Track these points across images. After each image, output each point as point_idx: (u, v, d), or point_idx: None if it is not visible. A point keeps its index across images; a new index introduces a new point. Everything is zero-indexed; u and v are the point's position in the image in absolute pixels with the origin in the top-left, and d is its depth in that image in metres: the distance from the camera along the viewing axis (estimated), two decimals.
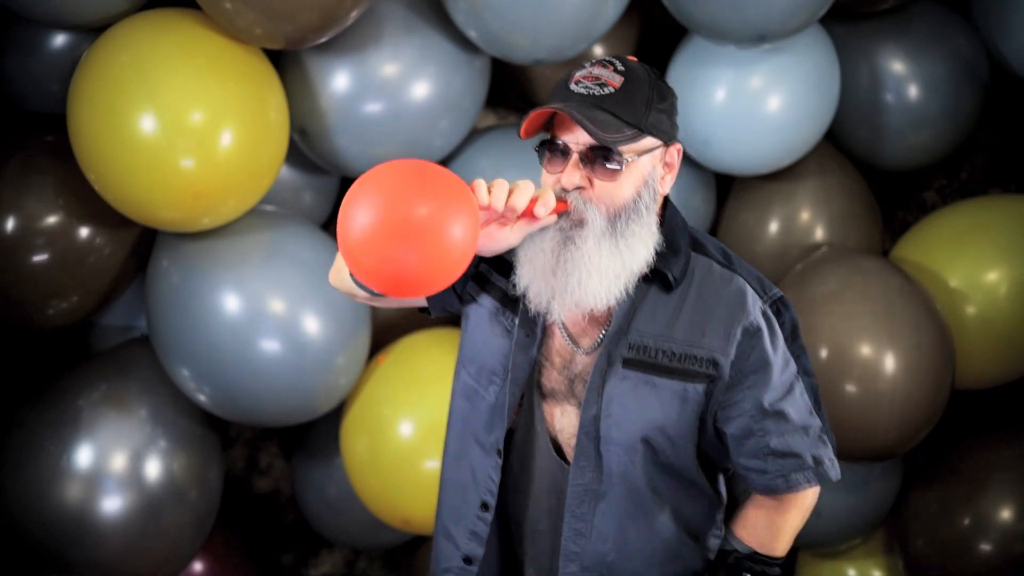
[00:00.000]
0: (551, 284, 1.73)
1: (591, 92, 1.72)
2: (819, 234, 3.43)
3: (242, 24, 2.74)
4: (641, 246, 1.74)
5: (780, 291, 1.83)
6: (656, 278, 1.79)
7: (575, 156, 1.73)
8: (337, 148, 3.14)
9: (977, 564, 3.23)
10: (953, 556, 3.27)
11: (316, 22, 2.75)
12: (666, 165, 1.79)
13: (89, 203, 2.93)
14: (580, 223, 1.72)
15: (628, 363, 1.77)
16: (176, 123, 2.71)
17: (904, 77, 3.40)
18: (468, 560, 1.90)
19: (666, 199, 1.85)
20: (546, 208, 1.68)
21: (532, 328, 1.82)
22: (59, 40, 3.06)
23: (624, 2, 3.08)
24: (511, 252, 1.78)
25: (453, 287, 1.88)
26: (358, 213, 1.58)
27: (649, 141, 1.75)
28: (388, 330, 3.40)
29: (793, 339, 1.82)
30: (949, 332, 3.21)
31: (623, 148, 1.71)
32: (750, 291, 1.79)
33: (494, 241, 1.70)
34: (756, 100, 3.20)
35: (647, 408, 1.76)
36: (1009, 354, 3.31)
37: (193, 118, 2.73)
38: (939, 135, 3.46)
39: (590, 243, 1.71)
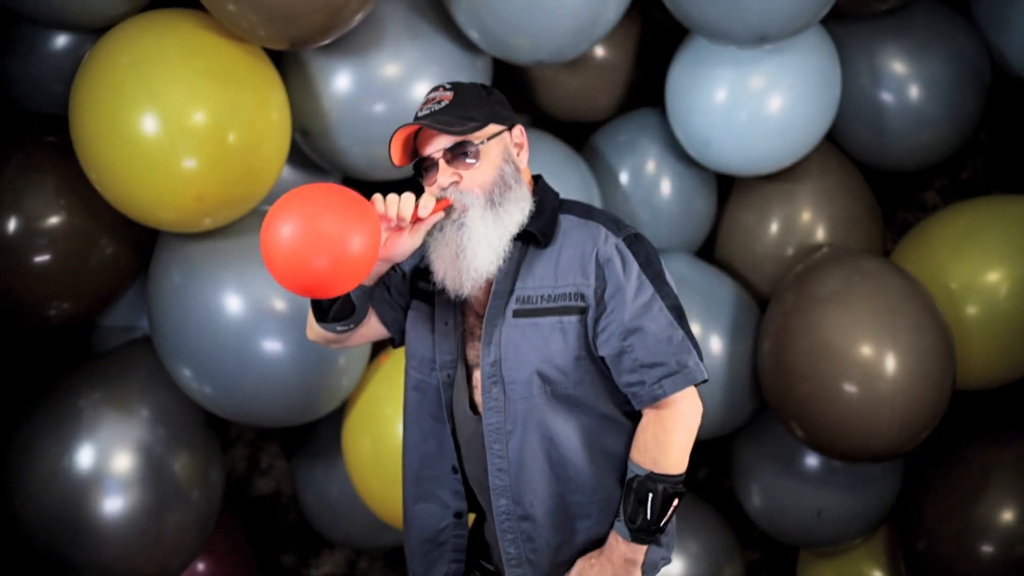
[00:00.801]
0: (457, 266, 2.05)
1: (432, 110, 2.07)
2: (820, 234, 3.44)
3: (246, 25, 2.74)
4: (516, 210, 2.07)
5: (636, 229, 2.11)
6: (530, 238, 2.09)
7: (441, 162, 2.06)
8: (339, 148, 3.14)
9: (979, 565, 3.24)
10: (955, 557, 3.27)
11: (321, 24, 2.75)
12: (516, 145, 2.12)
13: (91, 204, 2.93)
14: (464, 209, 2.05)
15: (517, 313, 2.08)
16: (178, 124, 2.71)
17: (905, 78, 3.40)
18: (458, 515, 2.20)
19: (538, 178, 2.17)
20: (426, 208, 2.01)
21: (451, 315, 2.15)
22: (61, 41, 3.06)
23: (625, 3, 3.09)
24: (427, 256, 2.11)
25: (401, 307, 2.24)
26: (280, 228, 1.88)
27: (492, 127, 2.08)
28: None
29: (648, 264, 2.06)
30: (950, 333, 3.21)
31: (472, 137, 2.05)
32: (603, 230, 2.07)
33: (399, 246, 2.03)
34: (757, 101, 3.20)
35: (534, 346, 2.06)
36: (1010, 355, 3.31)
37: (195, 119, 2.73)
38: (940, 136, 3.46)
39: (476, 220, 2.04)
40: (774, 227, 3.46)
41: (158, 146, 2.71)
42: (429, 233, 2.07)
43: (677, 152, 3.47)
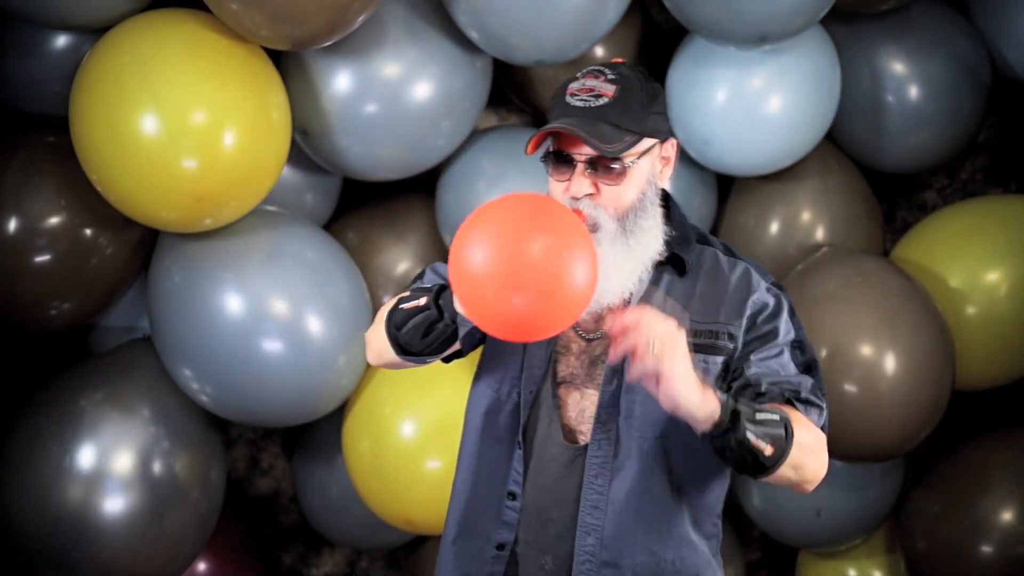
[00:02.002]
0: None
1: (588, 104, 1.82)
2: (820, 235, 3.44)
3: (249, 25, 2.74)
4: (651, 239, 1.87)
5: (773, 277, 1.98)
6: (670, 264, 1.90)
7: (580, 166, 1.83)
8: (339, 148, 3.14)
9: (979, 565, 3.24)
10: (955, 557, 3.27)
11: (324, 25, 2.75)
12: (663, 159, 1.90)
13: (91, 204, 2.93)
14: (594, 228, 1.82)
15: None
16: (178, 124, 2.71)
17: (905, 78, 3.40)
18: (501, 547, 1.95)
19: (667, 194, 1.96)
20: None
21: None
22: (61, 41, 3.06)
23: (625, 3, 3.09)
24: None
25: None
26: (475, 253, 1.62)
27: (647, 142, 1.85)
28: None
29: (793, 314, 1.93)
30: (949, 332, 3.21)
31: (627, 154, 1.82)
32: (754, 273, 1.92)
33: None
34: (757, 101, 3.20)
35: None
36: (1009, 354, 3.32)
37: (195, 119, 2.73)
38: (940, 136, 3.46)
39: (604, 246, 1.81)
40: (774, 227, 3.46)
41: (158, 146, 2.71)
42: None
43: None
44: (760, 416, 1.76)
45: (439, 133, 3.19)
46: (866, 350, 3.09)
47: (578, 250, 1.63)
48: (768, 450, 1.75)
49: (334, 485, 3.50)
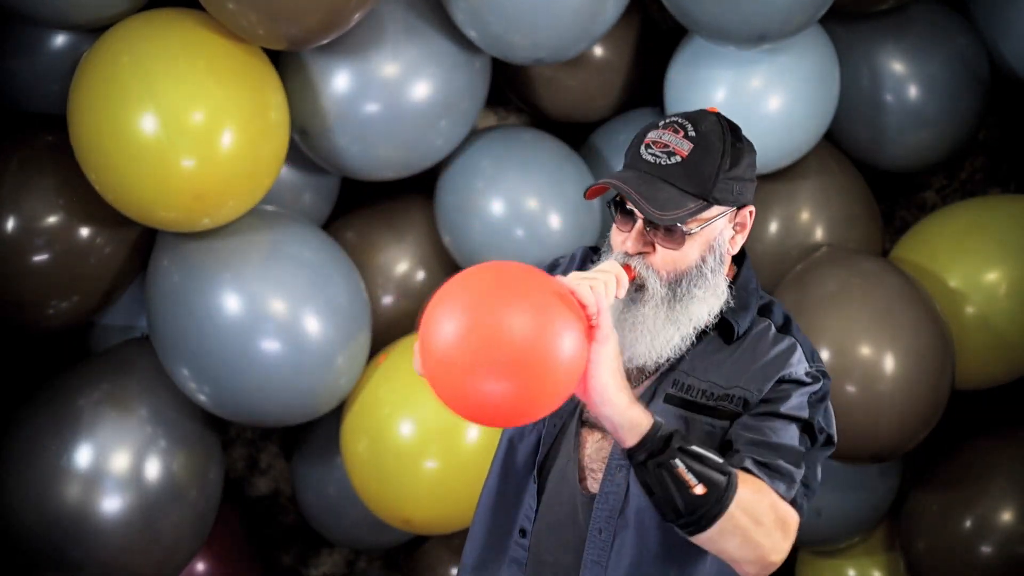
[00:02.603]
0: (624, 339, 1.74)
1: (657, 162, 1.73)
2: (819, 234, 3.43)
3: (245, 24, 2.74)
4: (702, 308, 1.77)
5: (825, 368, 1.82)
6: (719, 328, 1.82)
7: (640, 223, 1.74)
8: (337, 148, 3.14)
9: (979, 566, 3.23)
10: (955, 558, 3.27)
11: (320, 24, 2.75)
12: (737, 226, 1.81)
13: (89, 203, 2.93)
14: (641, 287, 1.75)
15: (669, 398, 1.79)
16: (176, 123, 2.71)
17: (904, 77, 3.40)
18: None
19: (743, 255, 1.88)
20: (623, 288, 1.70)
21: None
22: (60, 40, 3.06)
23: (624, 2, 3.08)
24: None
25: None
26: (445, 329, 1.45)
27: (714, 210, 1.75)
28: (388, 330, 3.40)
29: (819, 400, 1.79)
30: (949, 332, 3.21)
31: (690, 221, 1.73)
32: (800, 352, 1.80)
33: None
34: (756, 100, 3.20)
35: None
36: (1009, 354, 3.31)
37: (193, 118, 2.73)
38: (939, 136, 3.46)
39: (647, 308, 1.75)
40: (773, 227, 3.45)
41: (157, 145, 2.71)
42: None
43: None
44: (698, 451, 1.62)
45: (438, 133, 3.19)
46: (866, 350, 3.09)
47: (560, 332, 1.48)
48: (698, 489, 1.59)
49: (332, 485, 3.49)
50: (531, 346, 1.45)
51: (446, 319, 1.47)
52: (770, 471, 1.68)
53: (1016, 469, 3.29)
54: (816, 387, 1.77)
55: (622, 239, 1.77)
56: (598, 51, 3.48)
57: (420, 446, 3.11)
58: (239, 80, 2.81)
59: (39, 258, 2.93)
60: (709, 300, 1.78)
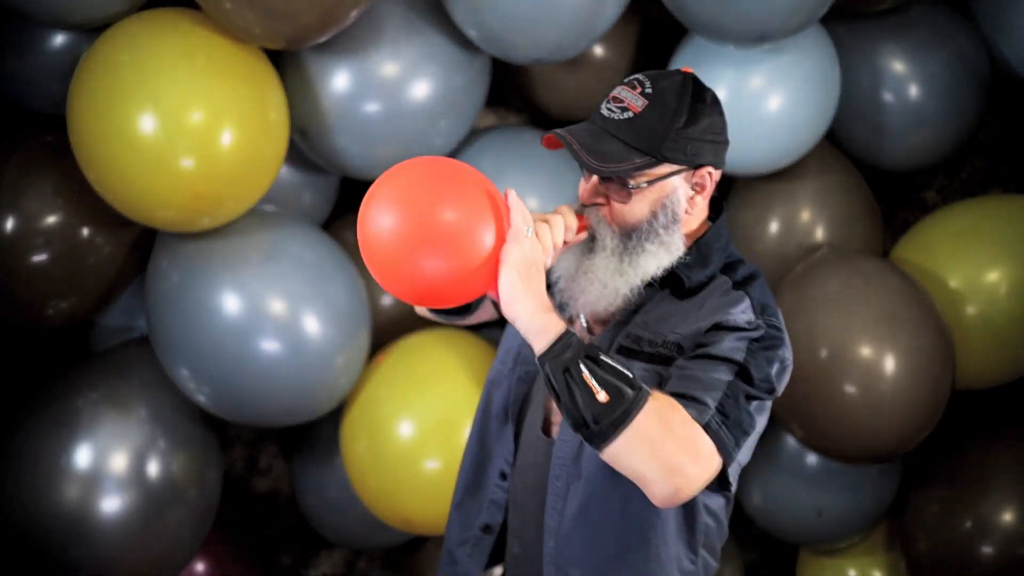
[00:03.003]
0: (570, 286, 1.83)
1: (612, 116, 1.77)
2: (819, 234, 3.43)
3: (242, 24, 2.74)
4: (651, 262, 1.80)
5: (782, 325, 1.81)
6: (671, 282, 1.84)
7: (595, 176, 1.80)
8: (337, 148, 3.14)
9: (980, 566, 3.23)
10: (956, 558, 3.27)
11: (316, 22, 2.75)
12: (696, 186, 1.82)
13: (89, 203, 2.93)
14: (592, 237, 1.81)
15: (620, 350, 1.82)
16: (176, 123, 2.71)
17: (905, 77, 3.39)
18: (487, 528, 1.97)
19: (720, 216, 1.88)
20: (572, 233, 1.78)
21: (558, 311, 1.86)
22: (59, 40, 3.06)
23: (624, 1, 3.08)
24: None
25: None
26: (380, 217, 1.65)
27: (663, 168, 1.77)
28: (388, 330, 3.40)
29: (762, 347, 1.77)
30: (949, 332, 3.21)
31: (635, 175, 1.76)
32: (746, 303, 1.80)
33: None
34: (756, 100, 3.20)
35: None
36: (1009, 354, 3.31)
37: (193, 118, 2.73)
38: (940, 135, 3.46)
39: (598, 259, 1.80)
40: (773, 227, 3.45)
41: (156, 145, 2.71)
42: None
43: None
44: (607, 361, 1.65)
45: (438, 132, 3.18)
46: (866, 350, 3.09)
47: (484, 219, 1.65)
48: (601, 395, 1.61)
49: (332, 485, 3.49)
50: (455, 227, 1.62)
51: (385, 207, 1.67)
52: (683, 398, 1.68)
53: (1017, 469, 3.29)
54: (756, 334, 1.76)
55: (582, 189, 1.83)
56: (598, 51, 3.48)
57: (420, 446, 3.11)
58: (239, 80, 2.81)
59: (38, 258, 2.93)
60: (660, 255, 1.80)
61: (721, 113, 1.83)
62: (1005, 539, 3.22)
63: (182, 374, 3.03)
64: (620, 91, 1.80)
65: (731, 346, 1.74)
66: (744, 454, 1.79)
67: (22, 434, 3.01)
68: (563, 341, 1.65)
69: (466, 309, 2.05)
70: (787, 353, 1.82)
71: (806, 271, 3.30)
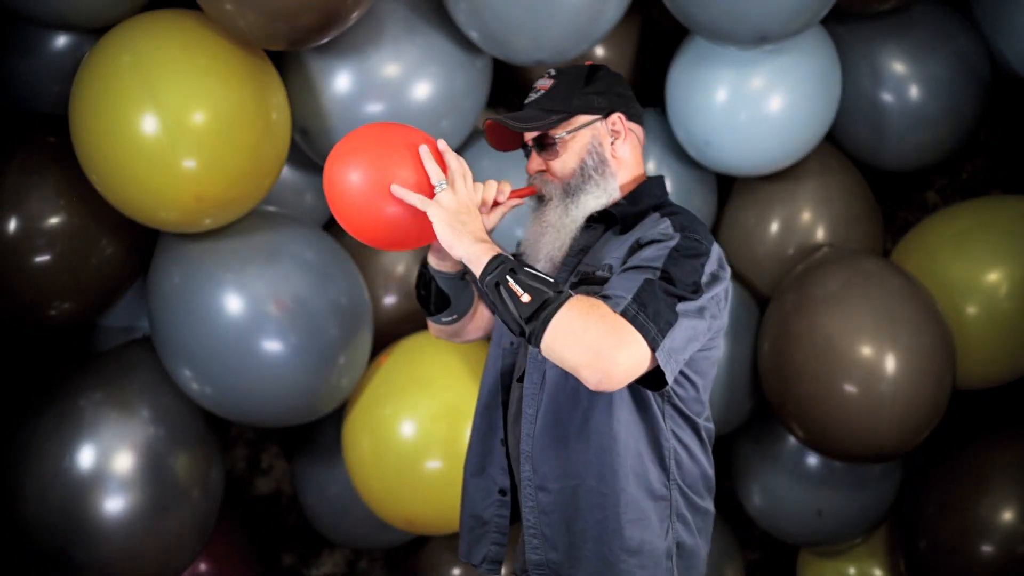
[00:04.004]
0: (532, 245, 2.16)
1: (530, 99, 2.17)
2: (820, 235, 3.44)
3: (243, 25, 2.74)
4: (590, 199, 2.13)
5: (705, 241, 2.03)
6: (611, 221, 2.14)
7: (531, 149, 2.18)
8: None
9: (979, 565, 3.23)
10: (955, 557, 3.27)
11: (317, 23, 2.75)
12: (613, 132, 2.16)
13: (91, 204, 2.93)
14: (548, 198, 2.15)
15: (571, 285, 2.09)
16: (178, 124, 2.71)
17: (905, 78, 3.40)
18: (503, 492, 2.22)
19: (654, 179, 2.20)
20: (503, 195, 2.14)
21: None
22: (61, 41, 3.06)
23: (625, 3, 3.09)
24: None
25: None
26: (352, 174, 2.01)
27: (580, 119, 2.14)
28: (390, 330, 3.41)
29: (684, 255, 1.98)
30: (950, 332, 3.21)
31: (554, 131, 2.13)
32: (666, 223, 2.05)
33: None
34: (757, 101, 3.20)
35: None
36: (1010, 354, 3.31)
37: (195, 119, 2.73)
38: (940, 136, 3.46)
39: (549, 209, 2.15)
40: (774, 227, 3.46)
41: (158, 146, 2.71)
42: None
43: (677, 152, 3.47)
44: (531, 271, 1.95)
45: (439, 133, 3.18)
46: (867, 350, 3.09)
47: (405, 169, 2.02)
48: (525, 297, 1.90)
49: (334, 485, 3.50)
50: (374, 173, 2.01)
51: (348, 167, 2.01)
52: (603, 297, 1.94)
53: (1017, 469, 3.29)
54: (673, 242, 2.00)
55: (527, 167, 2.19)
56: (599, 51, 3.48)
57: (422, 446, 3.12)
58: (240, 80, 2.81)
59: (41, 259, 2.93)
60: (597, 195, 2.14)
61: (622, 79, 2.20)
62: (1005, 538, 3.23)
63: (184, 374, 3.03)
64: (537, 83, 2.19)
65: (649, 255, 1.99)
66: (678, 351, 1.96)
67: (25, 434, 3.01)
68: (495, 262, 1.94)
69: (459, 309, 2.30)
70: (716, 268, 2.03)
71: (806, 271, 3.30)
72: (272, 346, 2.96)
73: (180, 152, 2.72)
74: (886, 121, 3.43)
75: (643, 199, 2.15)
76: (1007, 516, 3.24)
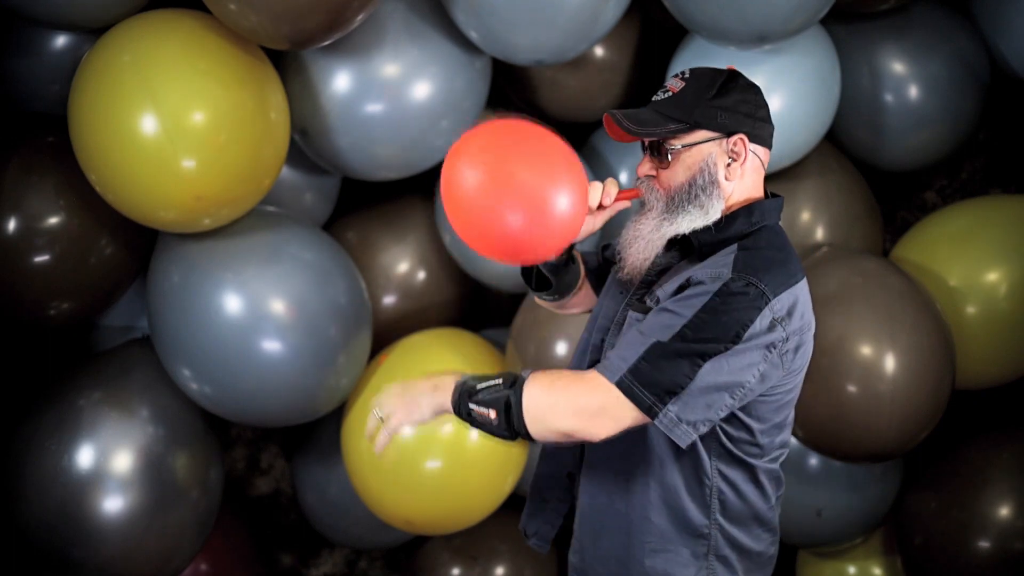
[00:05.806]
0: (625, 249, 2.05)
1: (657, 98, 2.03)
2: (820, 234, 3.44)
3: (247, 25, 2.74)
4: (686, 220, 1.99)
5: (762, 286, 1.90)
6: (690, 247, 2.03)
7: (646, 153, 2.05)
8: (338, 149, 3.14)
9: (975, 562, 3.23)
10: (951, 554, 3.27)
11: (322, 25, 2.75)
12: (732, 154, 2.00)
13: (90, 204, 2.93)
14: (649, 206, 2.03)
15: (634, 307, 2.04)
16: (177, 124, 2.71)
17: (905, 77, 3.40)
18: (571, 476, 2.20)
19: (763, 203, 2.03)
20: (609, 197, 2.05)
21: (627, 286, 2.11)
22: (60, 41, 3.06)
23: (625, 3, 3.09)
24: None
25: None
26: (466, 173, 1.85)
27: (698, 134, 1.98)
28: (389, 330, 3.41)
29: (717, 307, 1.88)
30: (949, 332, 3.21)
31: (672, 140, 1.99)
32: (728, 266, 1.92)
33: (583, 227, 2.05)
34: None
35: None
36: (1009, 354, 3.31)
37: (194, 119, 2.73)
38: (939, 135, 3.46)
39: (645, 219, 2.03)
40: None
41: (157, 146, 2.71)
42: (625, 213, 2.11)
43: None
44: (481, 386, 1.92)
45: (439, 133, 3.19)
46: (866, 350, 3.09)
47: (563, 179, 1.89)
48: (492, 414, 1.90)
49: (333, 485, 3.50)
50: (541, 189, 1.87)
51: (471, 169, 1.87)
52: (601, 366, 1.92)
53: (1015, 468, 3.29)
54: (716, 286, 1.89)
55: (638, 168, 2.07)
56: (599, 51, 3.48)
57: (422, 446, 3.12)
58: (240, 80, 2.81)
59: (40, 258, 2.93)
60: (697, 218, 1.99)
61: (758, 94, 2.04)
62: (1002, 536, 3.22)
63: (184, 374, 3.03)
64: (668, 81, 2.04)
65: (683, 300, 1.90)
66: (697, 409, 1.89)
67: (24, 434, 3.02)
68: (455, 395, 1.94)
69: (561, 290, 2.25)
70: (782, 316, 1.92)
71: (807, 271, 3.30)
72: (271, 346, 2.96)
73: (179, 152, 2.72)
74: (885, 121, 3.43)
75: (733, 225, 2.00)
76: (1005, 514, 3.24)
